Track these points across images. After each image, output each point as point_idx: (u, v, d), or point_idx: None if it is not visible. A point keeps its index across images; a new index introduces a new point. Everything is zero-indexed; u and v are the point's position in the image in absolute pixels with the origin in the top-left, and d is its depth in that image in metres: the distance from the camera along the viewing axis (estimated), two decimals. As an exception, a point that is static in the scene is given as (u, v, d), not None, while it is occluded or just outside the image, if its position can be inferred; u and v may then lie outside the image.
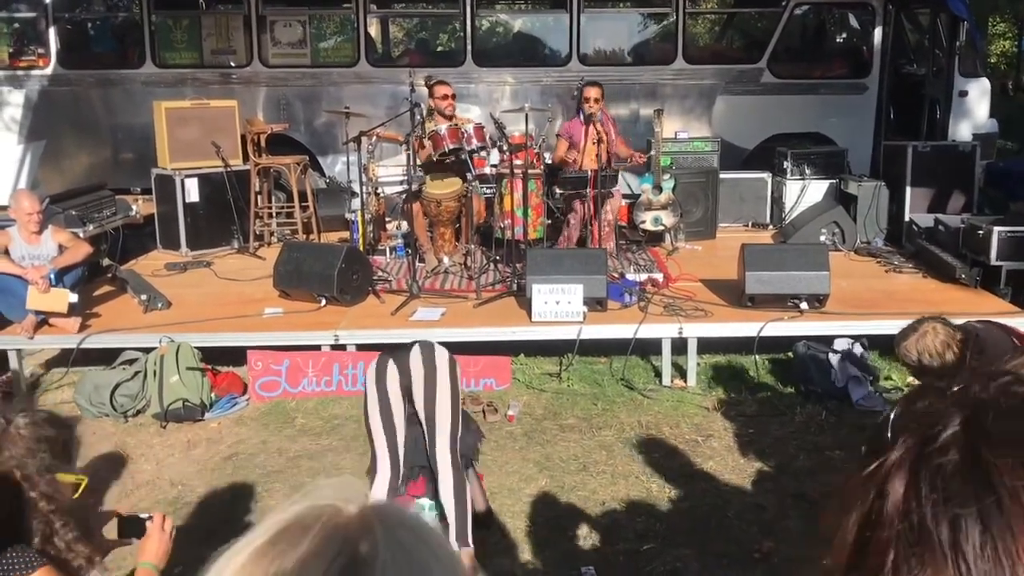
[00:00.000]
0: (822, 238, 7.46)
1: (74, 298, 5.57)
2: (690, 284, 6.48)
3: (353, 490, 0.78)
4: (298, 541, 0.71)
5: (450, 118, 6.92)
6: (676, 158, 8.23)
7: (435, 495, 3.56)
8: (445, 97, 7.04)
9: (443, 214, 6.98)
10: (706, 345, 5.81)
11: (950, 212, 7.39)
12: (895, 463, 0.75)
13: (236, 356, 5.65)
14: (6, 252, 5.64)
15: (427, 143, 6.79)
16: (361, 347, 5.57)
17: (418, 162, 6.77)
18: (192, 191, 7.70)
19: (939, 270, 6.60)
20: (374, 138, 7.46)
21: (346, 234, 7.83)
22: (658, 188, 7.47)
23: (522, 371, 5.72)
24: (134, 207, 8.08)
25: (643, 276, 6.59)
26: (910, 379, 5.48)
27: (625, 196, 7.78)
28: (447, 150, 6.66)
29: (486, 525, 3.89)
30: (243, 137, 8.03)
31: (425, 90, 7.23)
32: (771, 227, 8.49)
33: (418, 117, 6.72)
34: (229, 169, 7.72)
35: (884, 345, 5.78)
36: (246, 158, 8.05)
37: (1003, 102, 10.70)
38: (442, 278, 6.84)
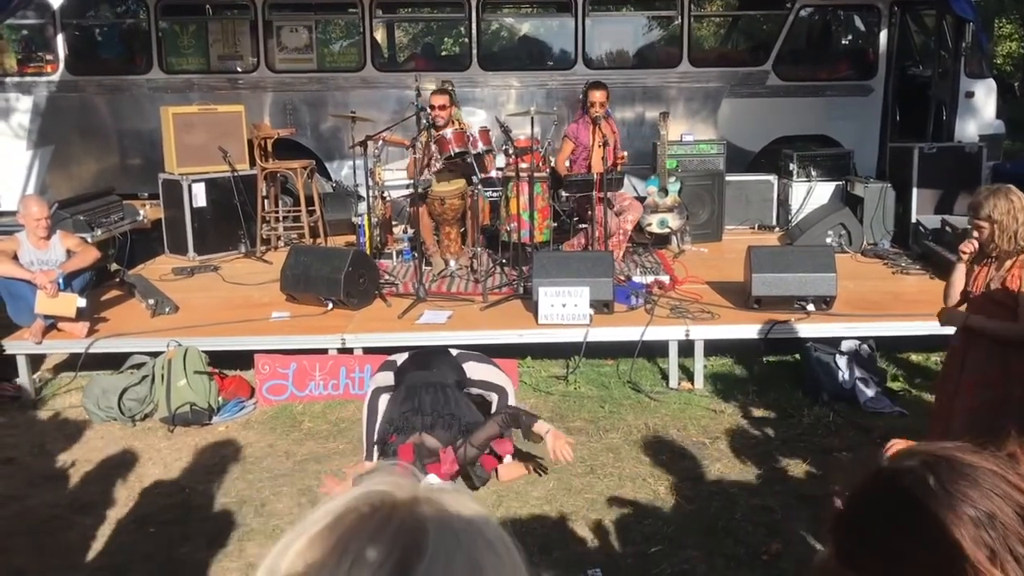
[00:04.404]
0: (828, 240, 7.45)
1: (82, 303, 5.59)
2: (696, 286, 6.48)
3: (407, 479, 0.78)
4: (356, 528, 0.71)
5: (441, 128, 6.90)
6: (682, 161, 8.22)
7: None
8: (439, 108, 7.03)
9: (447, 212, 6.98)
10: (713, 347, 5.81)
11: (957, 213, 7.36)
12: None
13: (243, 360, 5.67)
14: (15, 257, 5.66)
15: (432, 147, 6.80)
16: (368, 350, 5.58)
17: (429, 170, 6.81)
18: (199, 196, 7.73)
19: (946, 271, 6.53)
20: (380, 142, 7.48)
21: (353, 238, 7.85)
22: (664, 191, 7.47)
23: (529, 374, 5.72)
24: (141, 212, 8.10)
25: (649, 278, 6.59)
26: (918, 380, 5.49)
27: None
28: (453, 153, 6.68)
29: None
30: (250, 142, 8.06)
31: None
32: (777, 229, 8.48)
33: (424, 121, 6.76)
34: (236, 174, 7.74)
35: (891, 346, 5.78)
36: (253, 163, 8.07)
37: (1010, 103, 10.67)
38: (448, 281, 6.85)
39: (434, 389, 4.47)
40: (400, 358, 4.90)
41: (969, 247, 3.69)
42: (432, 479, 4.03)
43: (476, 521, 0.75)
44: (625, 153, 7.20)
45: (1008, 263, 3.55)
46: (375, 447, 4.49)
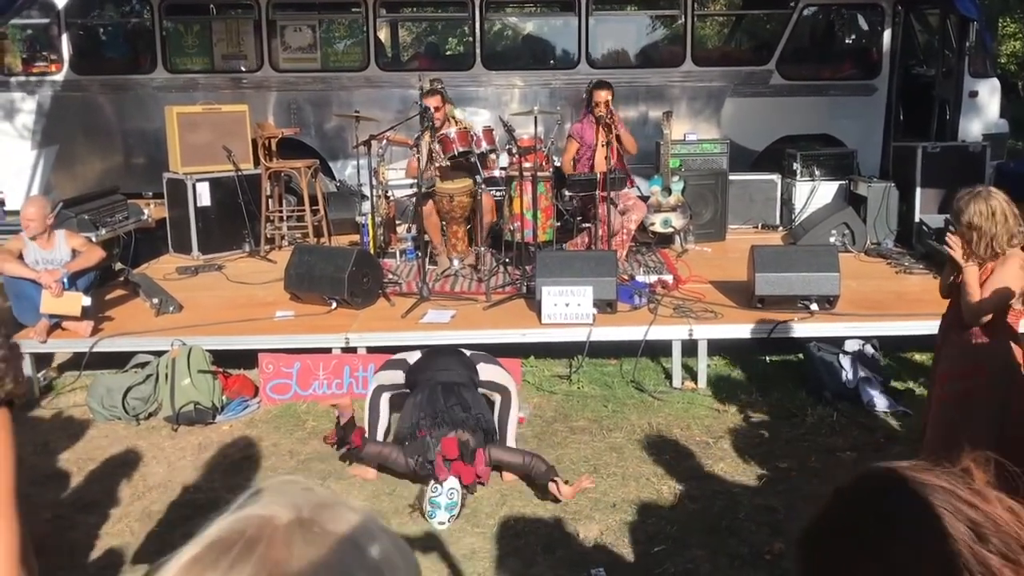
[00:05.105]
0: (832, 239, 7.44)
1: (87, 302, 5.60)
2: (700, 286, 6.48)
3: (292, 494, 0.77)
4: (218, 560, 0.72)
5: (438, 128, 6.89)
6: (685, 160, 8.22)
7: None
8: (432, 109, 6.96)
9: (456, 209, 6.98)
10: (716, 347, 5.81)
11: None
12: None
13: (247, 359, 5.68)
14: (20, 256, 5.68)
15: (435, 147, 6.80)
16: (371, 350, 5.58)
17: (430, 171, 6.80)
18: (204, 195, 7.74)
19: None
20: (384, 142, 7.48)
21: (356, 237, 7.85)
22: (667, 190, 7.47)
23: (532, 373, 5.73)
24: (146, 211, 8.12)
25: (653, 278, 6.59)
26: (922, 379, 5.48)
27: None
28: (457, 153, 6.68)
29: None
30: (254, 141, 8.07)
31: None
32: (781, 228, 8.48)
33: (426, 121, 6.75)
34: (240, 173, 7.75)
35: (895, 346, 5.78)
36: (257, 162, 8.09)
37: (1014, 102, 10.66)
38: (452, 280, 6.86)
39: (468, 389, 4.54)
40: (412, 357, 4.88)
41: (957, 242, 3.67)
42: (453, 483, 4.03)
43: (356, 553, 0.75)
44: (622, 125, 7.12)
45: (989, 266, 3.55)
46: (397, 440, 4.48)
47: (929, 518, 0.88)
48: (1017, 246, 3.51)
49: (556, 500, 4.16)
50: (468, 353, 4.96)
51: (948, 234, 3.70)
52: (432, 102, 6.96)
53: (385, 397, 4.72)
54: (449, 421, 4.33)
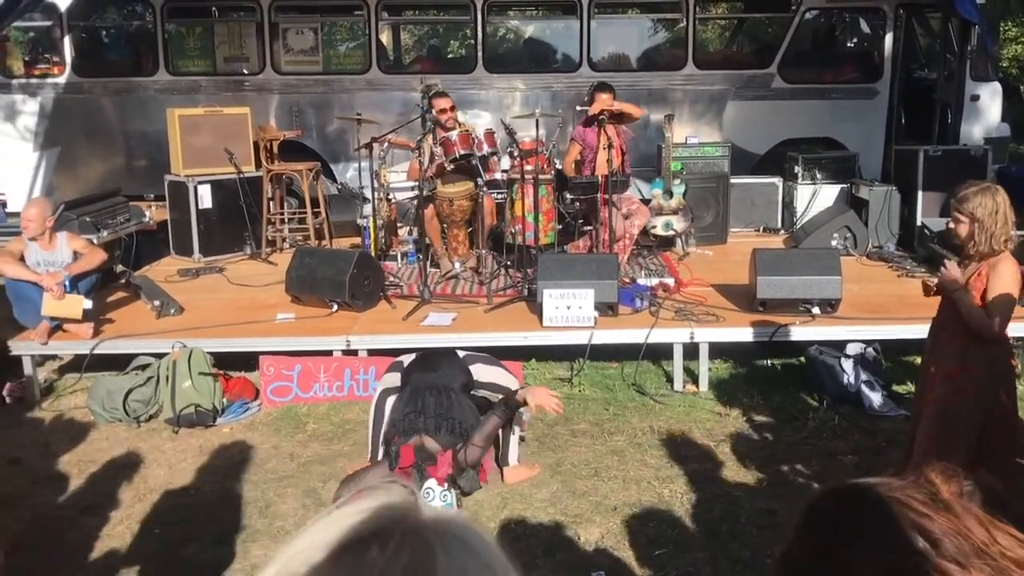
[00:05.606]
0: (833, 243, 7.44)
1: (88, 304, 5.60)
2: (701, 289, 6.47)
3: (406, 494, 0.78)
4: (378, 546, 0.71)
5: (450, 130, 6.91)
6: (687, 163, 8.23)
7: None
8: (443, 111, 7.02)
9: (456, 213, 6.99)
10: (718, 350, 5.80)
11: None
12: None
13: (248, 361, 5.68)
14: (21, 258, 5.68)
15: (436, 149, 6.81)
16: (372, 352, 5.58)
17: (430, 172, 6.80)
18: (205, 197, 7.75)
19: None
20: (385, 144, 7.49)
21: (358, 240, 7.86)
22: (669, 193, 7.47)
23: (533, 376, 5.72)
24: (147, 213, 8.12)
25: (654, 281, 6.59)
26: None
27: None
28: (458, 156, 6.68)
29: None
30: (256, 144, 8.08)
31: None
32: (782, 232, 8.47)
33: (428, 124, 6.76)
34: (242, 175, 7.75)
35: (896, 349, 5.77)
36: (259, 165, 8.09)
37: (1016, 106, 10.65)
38: (453, 283, 6.86)
39: (438, 392, 4.45)
40: (407, 359, 4.89)
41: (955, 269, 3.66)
42: (431, 484, 4.02)
43: (490, 548, 0.76)
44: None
45: (984, 265, 3.56)
46: (380, 447, 4.50)
47: (889, 531, 0.89)
48: (1008, 249, 3.53)
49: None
50: (463, 354, 4.91)
51: (946, 260, 3.70)
52: (443, 103, 6.99)
53: (391, 400, 4.70)
54: (403, 431, 4.29)
